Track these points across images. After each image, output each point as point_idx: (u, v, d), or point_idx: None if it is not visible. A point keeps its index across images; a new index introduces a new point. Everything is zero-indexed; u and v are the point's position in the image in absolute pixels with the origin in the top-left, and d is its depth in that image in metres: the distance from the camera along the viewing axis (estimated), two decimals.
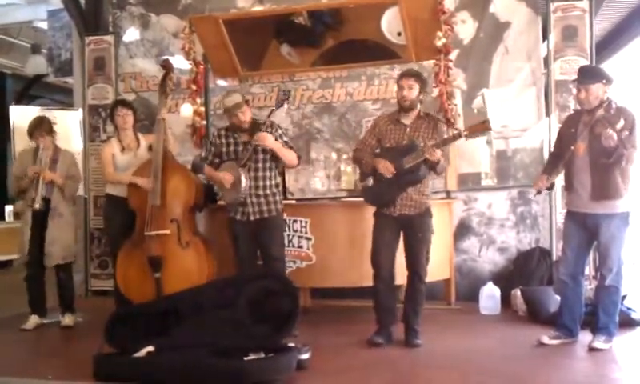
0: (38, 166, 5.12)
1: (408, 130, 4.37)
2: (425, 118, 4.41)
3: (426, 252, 4.37)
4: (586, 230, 4.26)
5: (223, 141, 4.61)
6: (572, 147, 4.17)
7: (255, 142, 4.40)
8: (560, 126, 4.57)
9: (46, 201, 5.15)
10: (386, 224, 4.37)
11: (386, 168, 4.26)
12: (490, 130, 4.37)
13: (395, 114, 4.48)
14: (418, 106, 4.41)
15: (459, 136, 4.30)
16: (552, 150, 4.52)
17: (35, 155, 5.23)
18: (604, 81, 4.14)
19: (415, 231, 4.34)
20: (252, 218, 4.49)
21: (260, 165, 4.50)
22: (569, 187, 4.32)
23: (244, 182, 4.43)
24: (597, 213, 4.15)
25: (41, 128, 5.23)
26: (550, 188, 4.46)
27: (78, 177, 5.48)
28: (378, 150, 4.44)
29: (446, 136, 4.36)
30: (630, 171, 4.11)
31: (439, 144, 4.20)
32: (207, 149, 4.74)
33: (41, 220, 5.15)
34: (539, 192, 4.45)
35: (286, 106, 4.57)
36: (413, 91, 4.34)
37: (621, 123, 3.85)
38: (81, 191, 6.62)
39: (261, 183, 4.49)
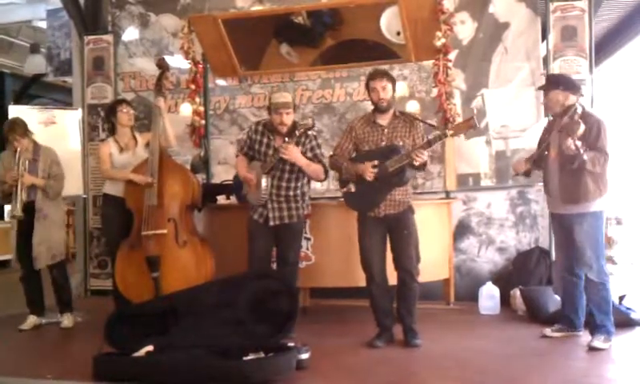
0: (16, 172, 5.07)
1: (386, 130, 4.33)
2: (401, 117, 4.39)
3: (415, 249, 4.34)
4: (564, 229, 4.39)
5: (258, 137, 4.55)
6: (546, 153, 4.37)
7: (281, 151, 4.34)
8: (542, 130, 4.66)
9: (31, 203, 5.13)
10: (372, 227, 4.33)
11: (370, 173, 4.19)
12: (475, 127, 4.31)
13: (371, 116, 4.43)
14: (394, 105, 4.39)
15: (444, 136, 4.24)
16: (537, 154, 4.61)
17: (15, 155, 5.15)
18: (561, 87, 4.31)
19: (401, 229, 4.30)
20: (271, 223, 4.45)
21: (286, 175, 4.45)
22: (546, 190, 4.49)
23: (264, 185, 4.40)
24: (569, 213, 4.28)
25: (14, 131, 5.14)
26: (527, 175, 4.59)
27: (61, 175, 5.35)
28: (354, 154, 4.41)
29: (430, 136, 4.27)
30: (604, 174, 4.20)
31: (425, 146, 4.16)
32: (244, 140, 4.69)
33: (27, 221, 5.11)
34: (517, 174, 4.65)
35: (310, 132, 4.53)
36: (387, 91, 4.31)
37: (581, 129, 3.97)
38: (79, 191, 6.64)
39: (283, 192, 4.45)
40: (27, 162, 5.14)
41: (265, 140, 4.51)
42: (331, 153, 4.66)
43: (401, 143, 4.25)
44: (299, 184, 4.51)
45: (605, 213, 4.37)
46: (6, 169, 5.20)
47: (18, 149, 5.13)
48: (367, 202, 4.31)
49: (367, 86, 4.41)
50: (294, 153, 4.34)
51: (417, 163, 4.12)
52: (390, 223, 4.31)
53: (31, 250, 5.14)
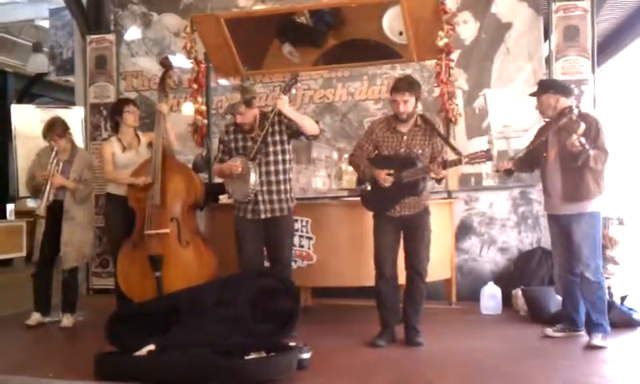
0: (47, 171, 5.08)
1: (405, 137, 4.35)
2: (421, 126, 4.37)
3: (426, 250, 4.37)
4: (562, 229, 4.42)
5: (231, 137, 4.52)
6: (544, 154, 4.40)
7: (276, 107, 4.29)
8: (534, 135, 4.68)
9: (58, 203, 5.13)
10: (386, 224, 4.37)
11: (385, 180, 4.25)
12: (492, 160, 4.46)
13: (392, 121, 4.43)
14: (416, 114, 4.39)
15: (459, 162, 4.27)
16: (523, 153, 4.62)
17: (51, 153, 5.17)
18: (551, 91, 4.42)
19: (415, 229, 4.34)
20: (262, 216, 4.41)
21: (271, 158, 4.41)
22: (544, 191, 4.54)
23: (253, 176, 4.33)
24: (567, 213, 4.33)
25: (53, 131, 5.16)
26: (509, 174, 4.64)
27: (90, 181, 5.38)
28: (374, 155, 4.43)
29: (446, 158, 4.31)
30: (603, 173, 4.27)
31: (440, 165, 4.19)
32: (217, 147, 4.65)
33: (55, 221, 5.13)
34: (497, 170, 4.76)
35: (294, 91, 4.47)
36: (408, 105, 4.30)
37: (581, 128, 4.06)
38: None
39: (273, 178, 4.41)
40: (61, 163, 5.15)
41: (239, 136, 4.49)
42: (351, 152, 4.66)
43: (420, 151, 4.29)
44: (286, 167, 4.46)
45: (601, 213, 4.42)
46: (42, 165, 5.21)
47: (55, 148, 5.13)
48: (382, 203, 4.36)
49: (390, 94, 4.43)
50: (286, 103, 4.31)
51: (436, 177, 4.22)
52: (405, 223, 4.35)
53: (52, 249, 5.17)
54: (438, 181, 4.37)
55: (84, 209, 5.32)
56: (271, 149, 4.41)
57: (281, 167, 4.44)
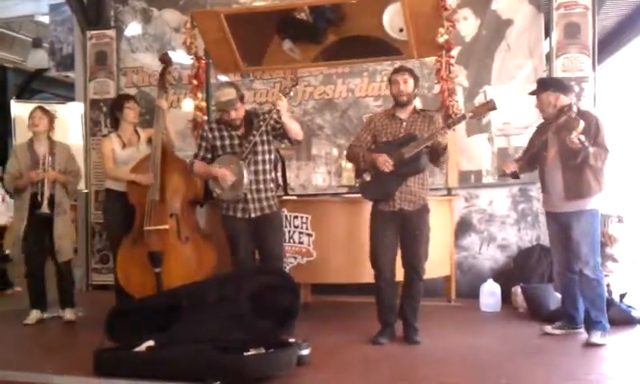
0: (42, 171, 5.07)
1: (405, 124, 4.37)
2: (420, 113, 4.43)
3: (425, 248, 4.36)
4: (561, 227, 4.43)
5: (216, 134, 4.48)
6: (545, 153, 4.41)
7: (276, 107, 4.29)
8: (532, 133, 4.68)
9: (50, 197, 5.12)
10: (384, 221, 4.35)
11: (385, 163, 4.23)
12: (495, 109, 4.42)
13: (391, 110, 4.48)
14: (414, 100, 4.42)
15: (464, 117, 4.34)
16: (523, 153, 4.66)
17: (30, 149, 5.18)
18: (551, 89, 4.42)
19: (414, 227, 4.33)
20: (253, 214, 4.41)
21: (259, 157, 4.41)
22: (543, 189, 4.54)
23: (246, 177, 4.33)
24: (567, 211, 4.33)
25: (36, 111, 5.22)
26: (515, 176, 4.60)
27: (78, 172, 5.42)
28: (373, 146, 4.43)
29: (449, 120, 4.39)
30: (603, 170, 4.28)
31: (445, 127, 4.23)
32: (198, 145, 4.59)
33: (40, 217, 5.09)
34: (503, 174, 4.62)
35: (292, 93, 4.49)
36: (408, 85, 4.35)
37: (581, 125, 4.07)
38: (82, 186, 6.64)
39: (261, 177, 4.41)
40: (50, 158, 5.13)
41: (225, 133, 4.46)
42: (349, 144, 4.66)
43: (420, 135, 4.28)
44: (271, 168, 4.49)
45: (600, 211, 4.42)
46: (20, 162, 5.19)
47: (42, 155, 5.10)
48: (382, 190, 4.33)
49: (389, 80, 4.47)
50: (284, 106, 4.32)
51: (440, 139, 4.17)
52: (404, 219, 4.32)
53: (41, 246, 5.15)
54: (439, 156, 4.32)
55: (70, 201, 5.36)
56: (259, 148, 4.41)
57: (267, 166, 4.46)
